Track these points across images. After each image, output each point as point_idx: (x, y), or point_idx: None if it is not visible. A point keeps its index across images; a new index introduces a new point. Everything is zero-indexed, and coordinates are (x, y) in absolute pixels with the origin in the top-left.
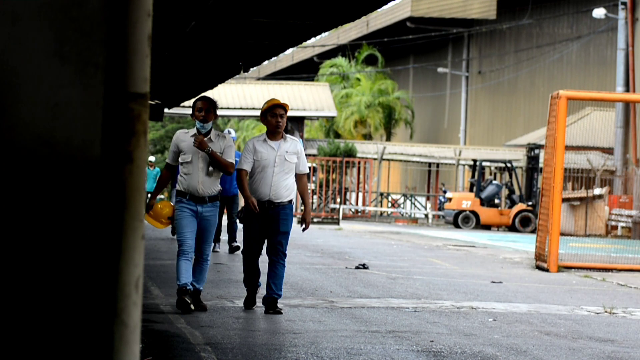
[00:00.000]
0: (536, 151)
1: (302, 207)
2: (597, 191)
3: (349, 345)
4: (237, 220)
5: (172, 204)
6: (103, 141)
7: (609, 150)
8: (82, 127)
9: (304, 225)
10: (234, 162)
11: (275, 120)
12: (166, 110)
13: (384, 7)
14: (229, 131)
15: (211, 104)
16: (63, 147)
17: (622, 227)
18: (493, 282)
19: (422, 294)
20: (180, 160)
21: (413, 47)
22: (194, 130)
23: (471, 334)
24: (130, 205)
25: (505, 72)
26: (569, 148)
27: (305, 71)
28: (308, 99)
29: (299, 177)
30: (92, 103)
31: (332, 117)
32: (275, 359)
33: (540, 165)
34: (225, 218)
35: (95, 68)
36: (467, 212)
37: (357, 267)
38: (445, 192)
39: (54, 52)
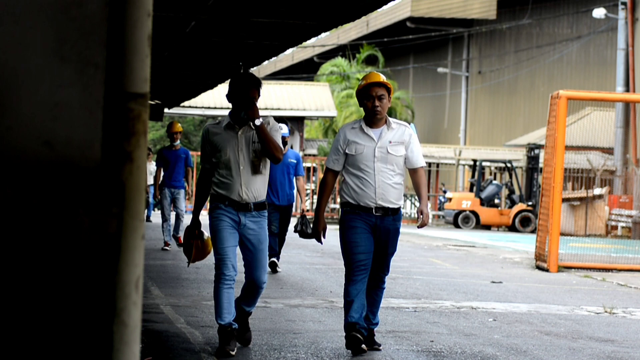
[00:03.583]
0: (536, 151)
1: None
2: (597, 191)
3: None
4: (298, 233)
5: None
6: (103, 141)
7: (609, 150)
8: (82, 127)
9: (421, 220)
10: (282, 148)
11: (372, 103)
12: (166, 110)
13: (384, 7)
14: (280, 127)
15: (256, 85)
16: (63, 147)
17: (622, 227)
18: (493, 282)
19: (422, 294)
20: (214, 159)
21: (413, 47)
22: (227, 119)
23: (471, 334)
24: (130, 205)
25: (505, 72)
26: (569, 148)
27: (305, 71)
28: (308, 99)
29: (412, 171)
30: (92, 103)
31: (332, 117)
32: (275, 359)
33: (540, 165)
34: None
35: (95, 68)
36: (467, 212)
37: None
38: (445, 192)
39: (54, 52)
